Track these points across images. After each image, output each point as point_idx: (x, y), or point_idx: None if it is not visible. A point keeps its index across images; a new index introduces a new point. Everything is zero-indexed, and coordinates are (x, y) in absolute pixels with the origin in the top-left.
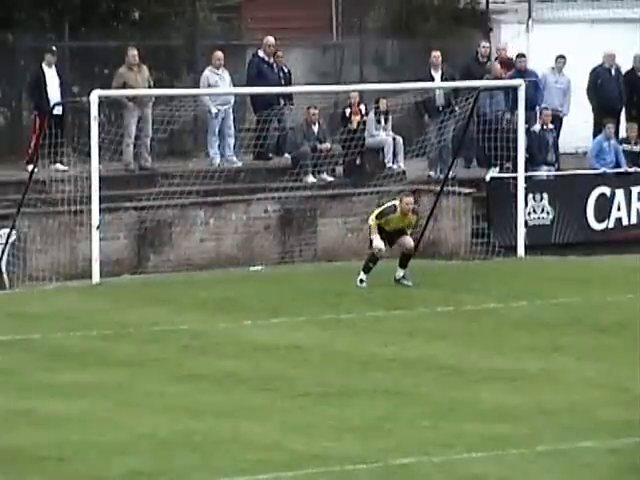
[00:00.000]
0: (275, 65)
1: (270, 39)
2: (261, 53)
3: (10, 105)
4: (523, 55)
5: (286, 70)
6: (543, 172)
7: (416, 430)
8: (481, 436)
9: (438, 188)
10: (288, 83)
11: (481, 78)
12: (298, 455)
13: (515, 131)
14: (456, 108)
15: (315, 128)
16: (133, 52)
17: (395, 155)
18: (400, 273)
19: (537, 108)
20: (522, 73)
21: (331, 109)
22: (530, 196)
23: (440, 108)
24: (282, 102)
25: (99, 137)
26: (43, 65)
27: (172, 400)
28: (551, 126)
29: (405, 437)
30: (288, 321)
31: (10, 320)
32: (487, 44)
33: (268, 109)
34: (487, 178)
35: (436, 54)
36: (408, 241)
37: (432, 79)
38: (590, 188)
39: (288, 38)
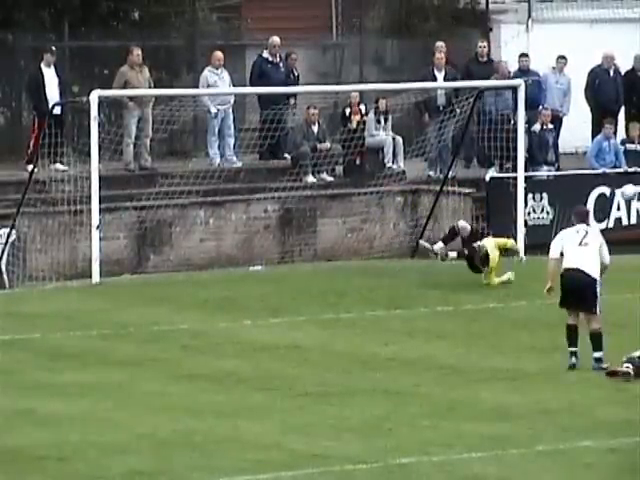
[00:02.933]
0: (282, 65)
1: (276, 39)
2: (265, 53)
3: (10, 105)
4: (526, 55)
5: (296, 73)
6: (543, 172)
7: (416, 430)
8: (481, 436)
9: (438, 188)
10: (294, 83)
11: (481, 78)
12: (298, 455)
13: (516, 131)
14: (457, 109)
15: (315, 128)
16: (137, 51)
17: (395, 155)
18: (441, 246)
19: (540, 108)
20: (525, 73)
21: (331, 109)
22: (530, 196)
23: (440, 108)
24: (292, 101)
25: (99, 137)
26: (42, 65)
27: (172, 400)
28: (551, 126)
29: (405, 437)
30: (288, 321)
31: (10, 320)
32: (485, 43)
33: (275, 107)
34: (487, 178)
35: (440, 55)
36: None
37: (435, 79)
38: (590, 188)
39: (288, 38)
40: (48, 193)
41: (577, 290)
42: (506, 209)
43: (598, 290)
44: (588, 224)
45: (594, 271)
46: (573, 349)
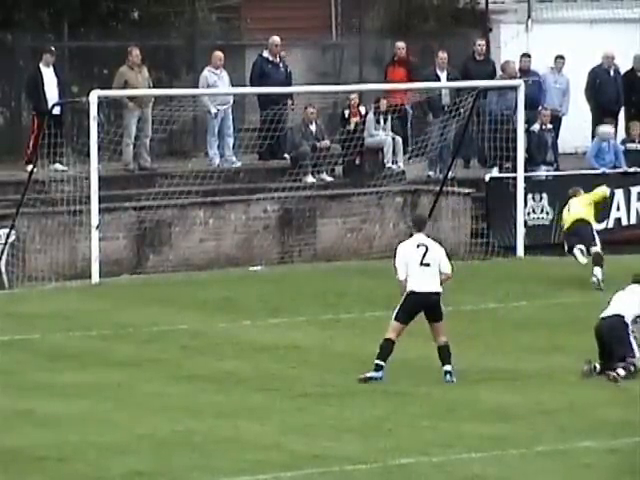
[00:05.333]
0: (282, 65)
1: (276, 39)
2: (265, 53)
3: (9, 105)
4: (528, 55)
5: (288, 70)
6: (542, 172)
7: (416, 430)
8: (480, 436)
9: (437, 188)
10: (289, 83)
11: (478, 77)
12: (298, 455)
13: (515, 131)
14: (461, 110)
15: (313, 127)
16: (136, 52)
17: (394, 155)
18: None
19: (540, 108)
20: (525, 73)
21: (330, 109)
22: (529, 196)
23: (445, 107)
24: (290, 101)
25: (98, 137)
26: (41, 65)
27: (172, 400)
28: (550, 126)
29: (405, 437)
30: (287, 321)
31: (9, 320)
32: (483, 42)
33: (274, 108)
34: (487, 178)
35: (443, 55)
36: None
37: (438, 79)
38: (589, 188)
39: (288, 38)
40: (47, 193)
41: (426, 307)
42: (506, 209)
43: (441, 302)
44: (425, 234)
45: (439, 287)
46: (383, 363)
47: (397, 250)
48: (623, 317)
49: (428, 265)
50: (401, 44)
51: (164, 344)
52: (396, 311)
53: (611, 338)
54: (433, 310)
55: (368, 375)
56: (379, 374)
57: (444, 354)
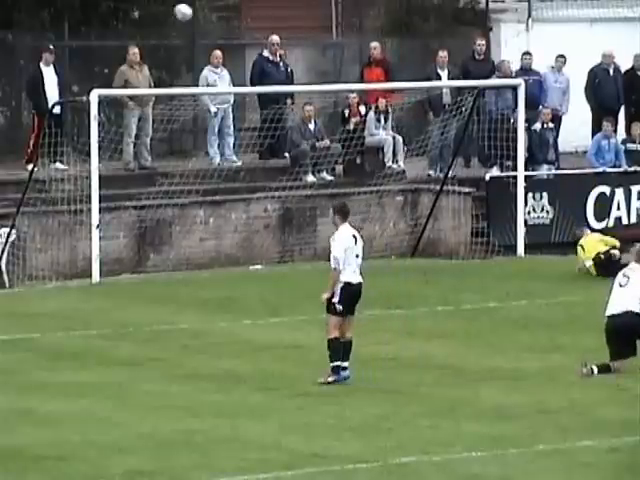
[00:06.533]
0: (282, 64)
1: (275, 38)
2: (265, 52)
3: (10, 105)
4: (529, 53)
5: (289, 69)
6: (543, 171)
7: (416, 429)
8: (481, 435)
9: (438, 187)
10: (290, 82)
11: (478, 76)
12: (298, 454)
13: (515, 130)
14: (462, 108)
15: (312, 126)
16: (134, 50)
17: (395, 154)
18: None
19: (540, 107)
20: (526, 72)
21: (330, 108)
22: (530, 195)
23: (446, 106)
24: (290, 101)
25: (99, 136)
26: (41, 64)
27: (172, 399)
28: (551, 125)
29: (405, 436)
30: (288, 320)
31: (10, 319)
32: (483, 41)
33: (274, 107)
34: (487, 177)
35: (443, 54)
36: None
37: (439, 78)
38: (590, 187)
39: (288, 38)
40: (48, 192)
41: (357, 299)
42: (506, 208)
43: None
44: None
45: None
46: (345, 364)
47: (335, 240)
48: (632, 310)
49: (358, 256)
50: (375, 44)
51: (164, 343)
52: (339, 308)
53: (635, 337)
54: (357, 302)
55: (332, 379)
56: (346, 373)
57: (346, 349)
